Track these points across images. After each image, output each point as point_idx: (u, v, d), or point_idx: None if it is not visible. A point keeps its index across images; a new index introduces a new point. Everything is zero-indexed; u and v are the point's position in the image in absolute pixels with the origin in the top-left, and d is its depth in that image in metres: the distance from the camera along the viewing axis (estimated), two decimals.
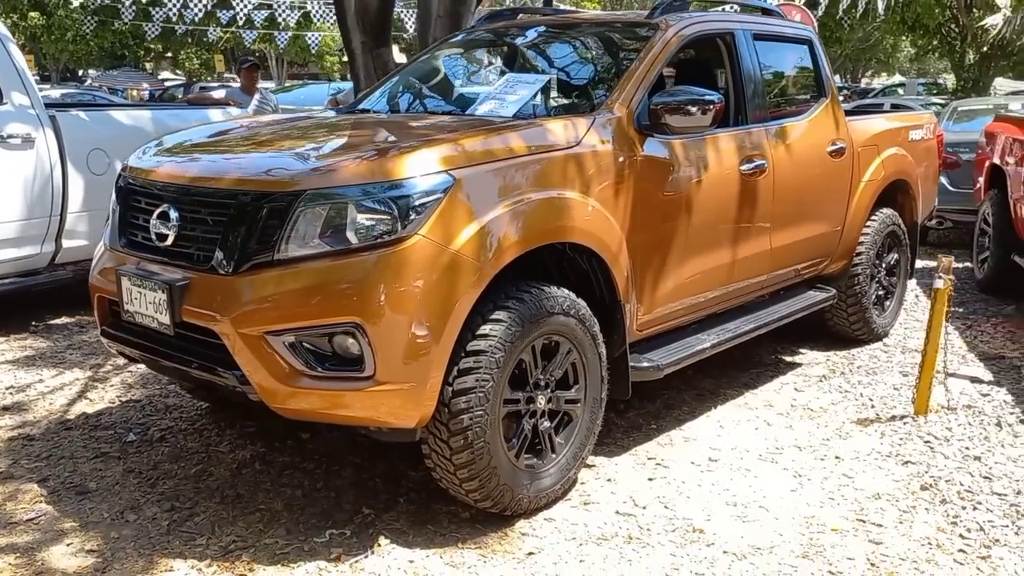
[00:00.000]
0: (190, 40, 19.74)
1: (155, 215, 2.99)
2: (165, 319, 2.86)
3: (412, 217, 2.69)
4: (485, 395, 2.82)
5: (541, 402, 3.08)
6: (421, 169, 2.74)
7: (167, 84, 28.27)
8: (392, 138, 3.27)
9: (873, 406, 4.24)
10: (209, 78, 28.47)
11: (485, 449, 2.86)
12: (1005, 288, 6.45)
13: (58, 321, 5.64)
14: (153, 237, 2.99)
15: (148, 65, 34.51)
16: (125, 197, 3.23)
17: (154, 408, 4.12)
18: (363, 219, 2.70)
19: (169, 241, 2.94)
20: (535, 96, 3.66)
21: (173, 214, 2.94)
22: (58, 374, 4.61)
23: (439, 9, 6.25)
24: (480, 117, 3.58)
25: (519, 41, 4.42)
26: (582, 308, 3.16)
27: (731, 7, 5.19)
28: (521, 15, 4.83)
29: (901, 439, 3.84)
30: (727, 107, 3.93)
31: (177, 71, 36.91)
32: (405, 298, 2.65)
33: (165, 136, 3.72)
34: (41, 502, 3.19)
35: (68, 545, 2.89)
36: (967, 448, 3.72)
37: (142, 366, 4.55)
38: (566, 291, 3.11)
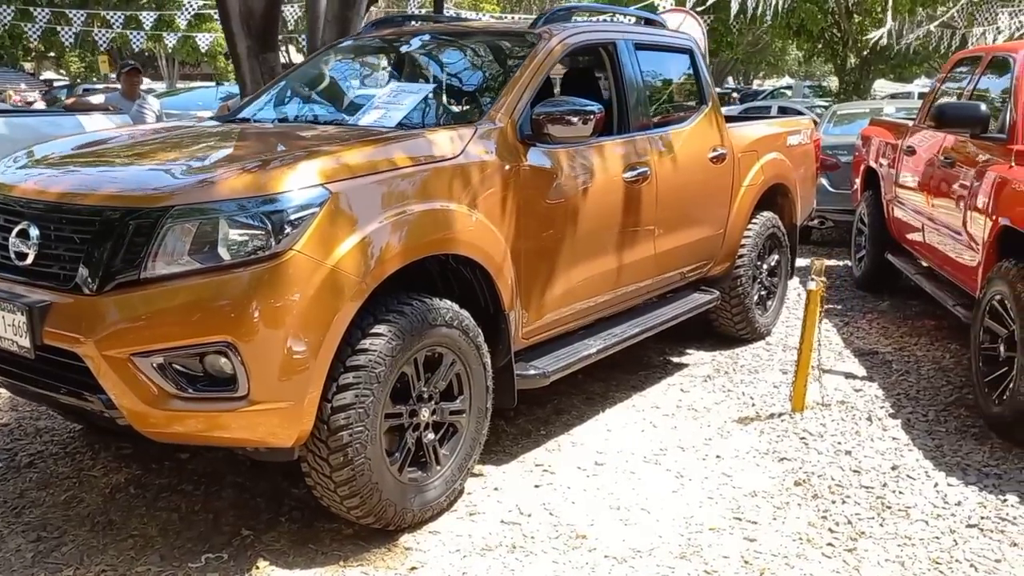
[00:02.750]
0: (73, 40, 18.92)
1: (14, 232, 2.84)
2: (25, 342, 2.73)
3: (287, 232, 2.63)
4: (365, 410, 2.79)
5: (425, 415, 3.07)
6: (296, 183, 2.69)
7: (55, 85, 26.94)
8: (268, 150, 3.20)
9: (754, 404, 4.39)
10: (95, 78, 27.26)
11: (366, 465, 2.83)
12: (880, 285, 6.78)
13: None
14: (12, 256, 2.84)
15: (28, 65, 32.80)
16: None
17: (23, 432, 3.92)
18: (236, 235, 2.63)
19: (28, 260, 2.80)
20: (420, 105, 3.65)
21: (34, 232, 2.80)
22: None
23: (327, 13, 6.18)
24: (363, 127, 3.54)
25: (406, 49, 4.40)
26: (466, 319, 3.16)
27: (614, 17, 5.28)
28: (411, 22, 4.80)
29: (778, 436, 3.99)
30: (610, 116, 4.00)
31: (61, 71, 35.25)
32: (279, 315, 2.60)
33: (35, 146, 3.53)
34: None
35: None
36: (839, 443, 3.90)
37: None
38: (449, 303, 3.11)
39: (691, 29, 9.09)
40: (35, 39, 20.86)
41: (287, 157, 2.87)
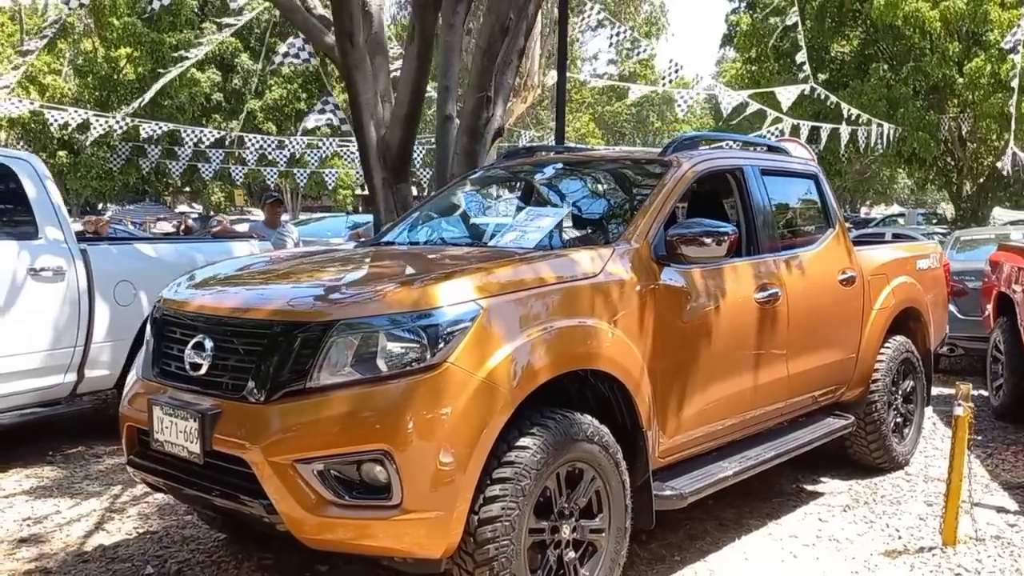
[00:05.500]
0: (212, 176, 20.60)
1: (190, 345, 3.07)
2: (195, 447, 2.90)
3: (441, 345, 2.76)
4: (511, 523, 2.81)
5: (566, 531, 3.06)
6: (450, 298, 2.84)
7: (188, 215, 29.29)
8: (420, 269, 3.38)
9: (900, 537, 4.17)
10: (232, 209, 29.35)
11: None
12: (1021, 414, 6.41)
13: (75, 451, 5.64)
14: (187, 367, 3.06)
15: (167, 199, 35.64)
16: (160, 328, 3.32)
17: (171, 539, 4.07)
18: (393, 347, 2.77)
19: (203, 370, 3.01)
20: (555, 228, 3.81)
21: (208, 344, 3.02)
22: (75, 504, 4.59)
23: (456, 147, 6.55)
24: (502, 248, 3.71)
25: (537, 177, 4.62)
26: (606, 435, 3.18)
27: (736, 144, 5.42)
28: (542, 153, 5.06)
29: (931, 571, 3.76)
30: (739, 238, 4.06)
31: (192, 204, 38.04)
32: (433, 425, 2.69)
33: (197, 270, 3.84)
34: None
35: None
36: None
37: (160, 496, 4.55)
38: (590, 418, 3.14)
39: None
40: (177, 175, 22.67)
41: (440, 275, 3.03)
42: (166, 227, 24.08)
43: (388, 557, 2.84)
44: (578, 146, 7.41)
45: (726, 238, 3.54)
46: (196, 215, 30.81)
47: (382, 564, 3.21)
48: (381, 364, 2.76)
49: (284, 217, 8.58)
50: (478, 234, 4.31)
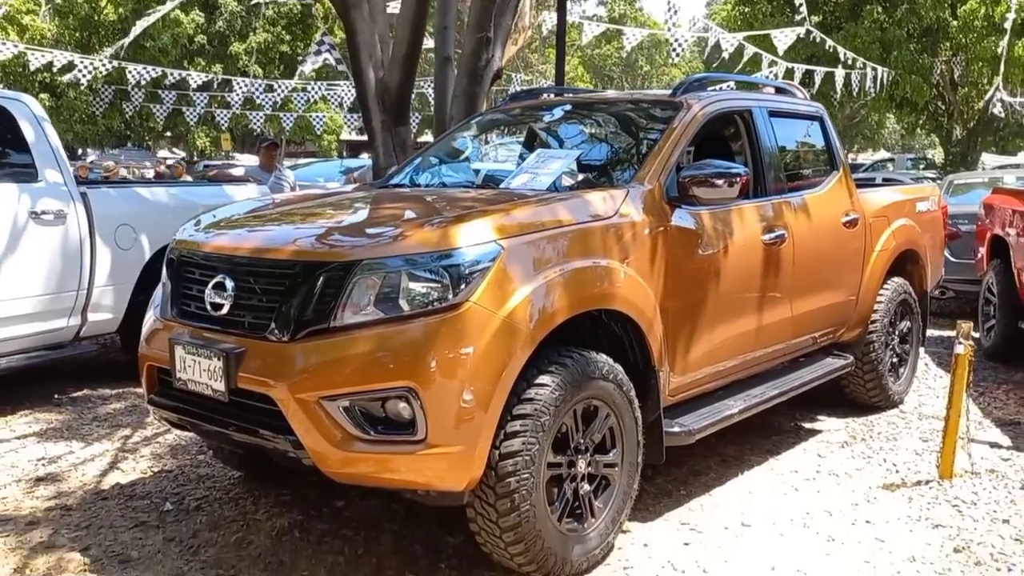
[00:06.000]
0: (196, 121, 20.29)
1: (210, 286, 3.09)
2: (220, 386, 2.94)
3: (463, 285, 2.80)
4: (531, 458, 2.88)
5: (581, 466, 3.14)
6: (471, 239, 2.87)
7: (168, 161, 28.87)
8: (438, 210, 3.39)
9: (897, 471, 4.29)
10: (215, 155, 28.97)
11: (531, 512, 2.90)
12: (1012, 355, 6.55)
13: (80, 394, 5.68)
14: (208, 307, 3.09)
15: (149, 144, 35.12)
16: (177, 270, 3.33)
17: (187, 478, 4.14)
18: (415, 287, 2.80)
19: (224, 310, 3.03)
20: (567, 170, 3.82)
21: (228, 284, 3.04)
22: (86, 446, 4.64)
23: (456, 89, 6.50)
24: (516, 190, 3.72)
25: (545, 119, 4.61)
26: (620, 373, 3.25)
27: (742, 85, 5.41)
28: (549, 94, 5.03)
29: (928, 503, 3.88)
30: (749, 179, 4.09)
31: (174, 150, 37.50)
32: (457, 363, 2.74)
33: (203, 214, 3.79)
34: (86, 571, 3.20)
35: None
36: (995, 511, 3.77)
37: (172, 437, 4.62)
38: (605, 356, 3.20)
39: None
40: (161, 119, 22.33)
41: (460, 215, 3.05)
42: (149, 174, 23.80)
43: (411, 490, 2.91)
44: (585, 88, 7.35)
45: (738, 179, 3.57)
46: (177, 160, 30.40)
47: (398, 498, 3.30)
48: (403, 304, 2.79)
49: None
50: (488, 177, 4.31)
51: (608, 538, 3.25)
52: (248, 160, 20.82)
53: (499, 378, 2.80)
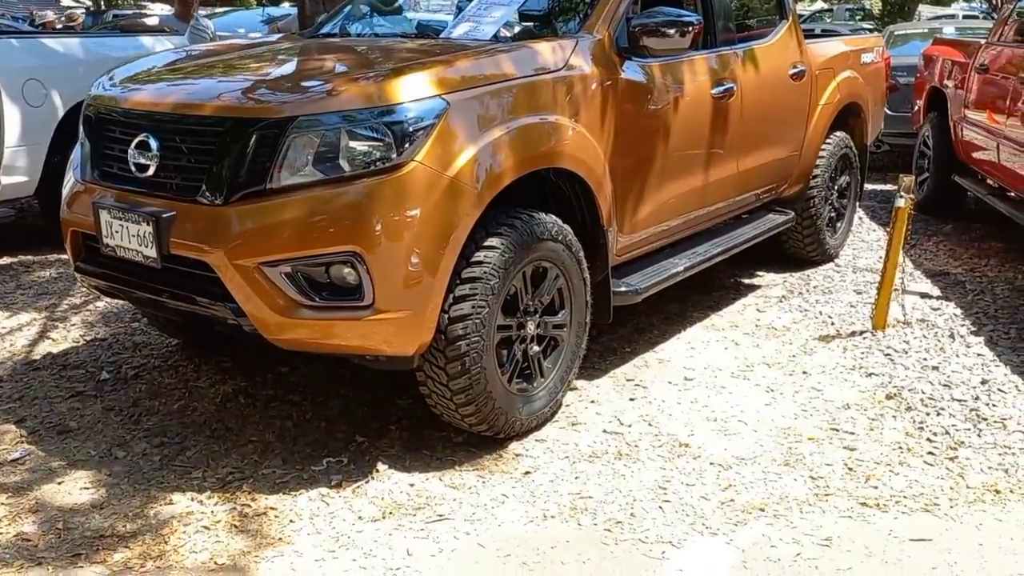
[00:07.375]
0: None
1: (132, 145, 2.87)
2: (151, 252, 2.78)
3: (407, 143, 2.65)
4: (481, 321, 2.84)
5: (531, 327, 3.12)
6: (414, 94, 2.70)
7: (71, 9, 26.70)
8: (377, 62, 3.18)
9: (833, 323, 4.41)
10: (125, 3, 26.92)
11: (481, 375, 2.89)
12: (943, 208, 6.70)
13: (1, 262, 5.41)
14: (132, 168, 2.88)
15: None
16: (96, 128, 3.09)
17: (122, 346, 4.02)
18: (356, 146, 2.65)
19: (150, 172, 2.84)
20: (511, 18, 3.60)
21: (153, 143, 2.83)
22: (11, 315, 4.45)
23: None
24: (457, 40, 3.51)
25: None
26: (569, 234, 3.18)
27: None
28: None
29: (863, 353, 4.01)
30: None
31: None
32: (404, 225, 2.63)
33: (119, 67, 3.50)
34: (23, 442, 3.11)
35: (60, 483, 2.85)
36: (925, 359, 3.92)
37: (101, 304, 4.46)
38: (554, 217, 3.13)
39: None
40: None
41: (400, 67, 2.86)
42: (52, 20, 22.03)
43: (360, 356, 2.86)
44: None
45: (690, 29, 3.42)
46: (84, 9, 28.20)
47: (345, 363, 3.25)
48: (344, 164, 2.64)
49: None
50: (424, 26, 4.06)
51: (557, 396, 3.27)
52: (160, 9, 19.40)
53: (447, 241, 2.70)
